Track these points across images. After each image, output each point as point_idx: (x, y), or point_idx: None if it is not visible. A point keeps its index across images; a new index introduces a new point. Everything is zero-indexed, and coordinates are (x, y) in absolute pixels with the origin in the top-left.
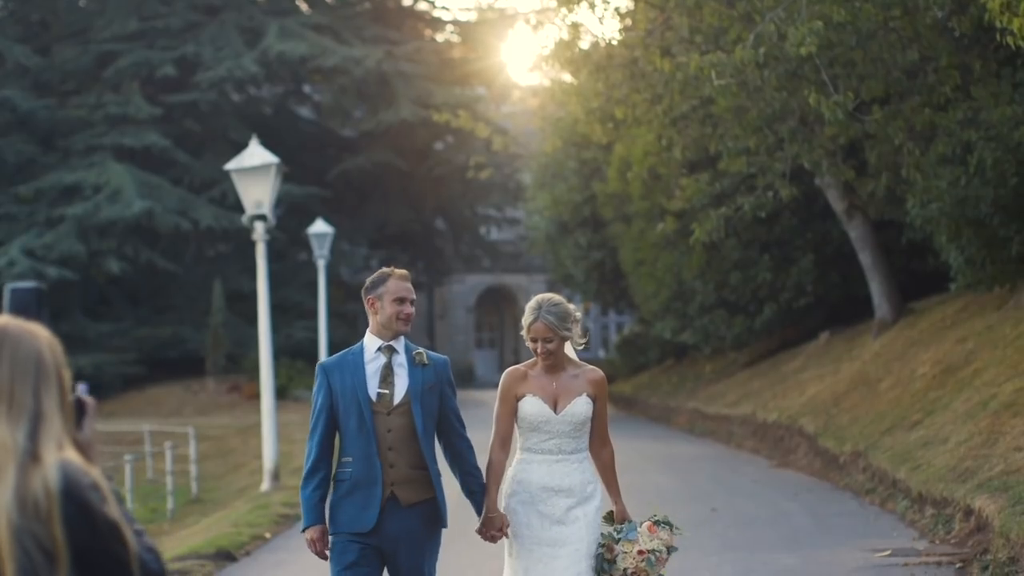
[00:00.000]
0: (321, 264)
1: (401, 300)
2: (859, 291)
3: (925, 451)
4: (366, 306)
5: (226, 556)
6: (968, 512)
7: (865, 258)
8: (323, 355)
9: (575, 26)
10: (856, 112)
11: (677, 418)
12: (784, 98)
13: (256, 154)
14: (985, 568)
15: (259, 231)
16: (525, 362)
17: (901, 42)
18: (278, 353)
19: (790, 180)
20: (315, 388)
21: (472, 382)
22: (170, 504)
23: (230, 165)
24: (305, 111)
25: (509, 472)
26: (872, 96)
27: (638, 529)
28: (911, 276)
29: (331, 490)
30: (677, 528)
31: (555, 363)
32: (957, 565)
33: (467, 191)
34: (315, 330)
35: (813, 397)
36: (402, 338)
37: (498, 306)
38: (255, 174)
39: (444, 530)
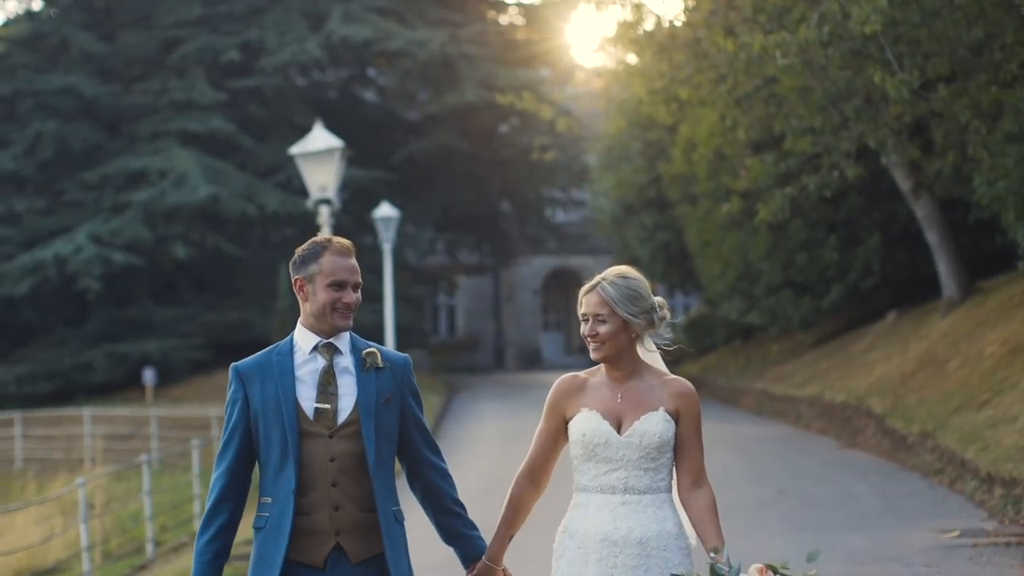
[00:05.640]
0: (387, 248)
1: (339, 284)
2: (926, 270)
3: (994, 431)
4: (294, 288)
5: None
6: None
7: (932, 237)
8: (390, 341)
9: (638, 7)
10: (921, 90)
11: (744, 399)
12: (849, 77)
13: (320, 138)
14: None
15: (324, 215)
16: (587, 369)
17: (966, 19)
18: None
19: (855, 159)
20: (228, 399)
21: (539, 364)
22: None
23: (295, 149)
24: (369, 95)
25: (560, 525)
26: (937, 74)
27: (744, 572)
28: (979, 255)
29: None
30: None
31: (610, 357)
32: None
33: (532, 173)
34: (381, 313)
35: (880, 377)
36: (347, 332)
37: (564, 288)
38: (320, 158)
39: None
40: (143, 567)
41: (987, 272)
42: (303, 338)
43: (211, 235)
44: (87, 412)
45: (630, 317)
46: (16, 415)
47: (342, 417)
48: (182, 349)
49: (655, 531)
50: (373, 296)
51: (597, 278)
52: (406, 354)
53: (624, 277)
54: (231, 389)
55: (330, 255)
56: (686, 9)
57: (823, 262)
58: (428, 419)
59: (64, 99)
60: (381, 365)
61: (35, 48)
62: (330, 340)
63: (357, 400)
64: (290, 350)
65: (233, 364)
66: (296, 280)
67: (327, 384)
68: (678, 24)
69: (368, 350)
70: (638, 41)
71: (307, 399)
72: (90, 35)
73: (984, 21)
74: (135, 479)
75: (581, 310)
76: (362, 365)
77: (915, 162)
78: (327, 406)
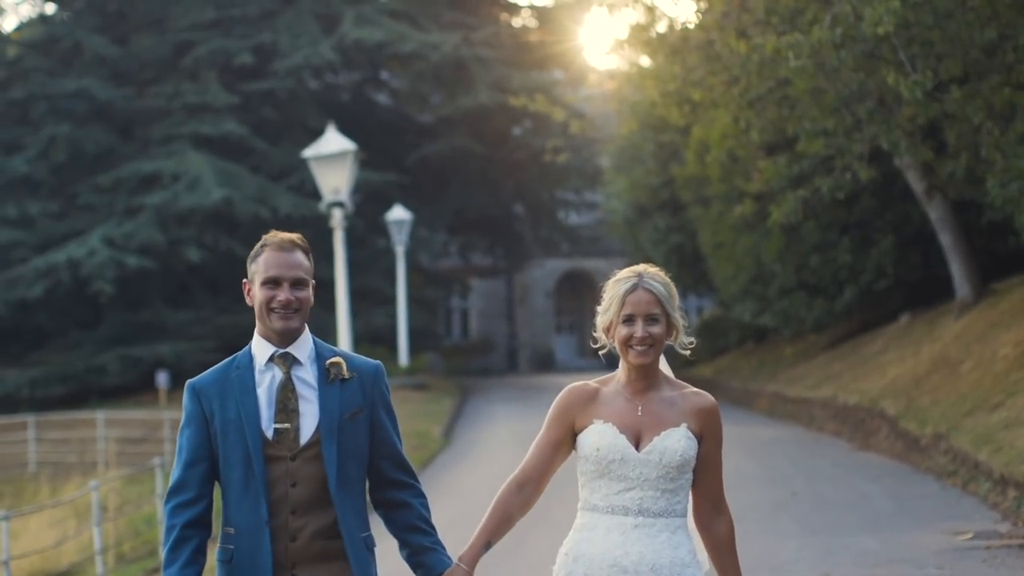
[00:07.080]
0: (400, 250)
1: (274, 281)
2: (940, 272)
3: (1007, 433)
4: (245, 295)
5: None
6: None
7: (945, 239)
8: (402, 342)
9: (651, 9)
10: (935, 92)
11: (758, 401)
12: (862, 79)
13: (333, 141)
14: None
15: (337, 218)
16: (597, 378)
17: (979, 20)
18: (358, 340)
19: (869, 161)
20: (183, 420)
21: (552, 367)
22: None
23: (308, 152)
24: (382, 97)
25: (562, 547)
26: (950, 75)
27: None
28: (992, 256)
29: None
30: None
31: (650, 369)
32: None
33: (545, 175)
34: (394, 316)
35: (894, 379)
36: (308, 339)
37: (577, 291)
38: (332, 161)
39: None
40: (156, 570)
41: (1000, 274)
42: (258, 348)
43: (224, 238)
44: (100, 415)
45: (676, 317)
46: (29, 418)
47: (304, 437)
48: (195, 352)
49: (668, 558)
50: (386, 298)
51: (630, 276)
52: (377, 361)
53: (659, 273)
54: (187, 408)
55: (268, 251)
56: (699, 11)
57: (836, 264)
58: (442, 422)
59: (77, 102)
60: (347, 375)
61: (48, 52)
62: (287, 350)
63: (319, 418)
64: (249, 362)
65: (189, 381)
66: (244, 284)
67: (286, 400)
68: (691, 26)
69: (332, 359)
70: (651, 43)
71: (266, 418)
72: (103, 38)
73: (997, 22)
74: (148, 482)
75: (626, 311)
76: (325, 375)
77: (928, 164)
78: (287, 425)
